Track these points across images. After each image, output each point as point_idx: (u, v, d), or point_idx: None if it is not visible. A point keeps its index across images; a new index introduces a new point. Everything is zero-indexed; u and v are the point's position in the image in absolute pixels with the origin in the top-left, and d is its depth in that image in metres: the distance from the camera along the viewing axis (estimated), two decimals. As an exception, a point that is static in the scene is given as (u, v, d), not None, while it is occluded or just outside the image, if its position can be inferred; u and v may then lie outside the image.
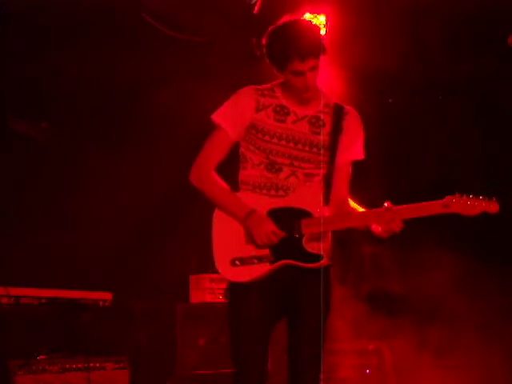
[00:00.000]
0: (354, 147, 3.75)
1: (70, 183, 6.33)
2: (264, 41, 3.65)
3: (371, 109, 5.99)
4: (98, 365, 5.49)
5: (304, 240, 3.55)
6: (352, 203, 3.75)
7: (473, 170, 6.47)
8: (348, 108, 3.77)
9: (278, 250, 3.55)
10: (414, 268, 6.38)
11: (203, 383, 6.01)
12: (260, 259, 3.55)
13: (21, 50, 5.87)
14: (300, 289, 3.59)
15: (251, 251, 3.56)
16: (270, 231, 3.53)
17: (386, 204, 3.54)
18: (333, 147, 3.66)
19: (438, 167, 6.50)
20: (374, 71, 6.34)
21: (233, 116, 3.64)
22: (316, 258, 3.55)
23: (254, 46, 5.96)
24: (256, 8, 5.80)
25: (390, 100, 6.94)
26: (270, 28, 3.63)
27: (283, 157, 3.63)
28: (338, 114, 3.70)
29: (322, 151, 3.64)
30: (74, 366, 5.39)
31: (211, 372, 6.00)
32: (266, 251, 3.55)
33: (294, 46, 3.50)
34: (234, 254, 3.56)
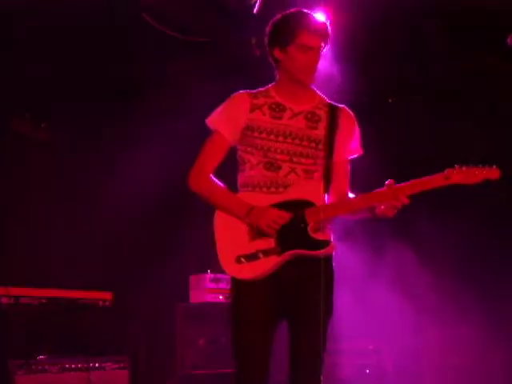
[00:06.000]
0: (350, 144, 3.76)
1: (69, 183, 6.33)
2: (268, 28, 3.67)
3: (371, 109, 6.00)
4: (97, 365, 5.49)
5: (309, 229, 3.55)
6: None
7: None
8: (341, 106, 3.78)
9: (285, 241, 3.53)
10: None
11: (203, 383, 6.01)
12: (266, 253, 3.53)
13: (21, 50, 5.87)
14: (303, 288, 3.57)
15: (256, 247, 3.54)
16: (276, 215, 3.51)
17: (387, 183, 3.54)
18: (330, 141, 3.67)
19: (438, 167, 6.49)
20: (374, 71, 6.34)
21: (227, 119, 3.65)
22: (324, 244, 3.55)
23: (254, 45, 5.95)
24: (256, 8, 5.80)
25: (389, 100, 6.94)
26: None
27: (282, 153, 3.61)
28: (332, 111, 3.71)
29: (320, 145, 3.64)
30: (74, 366, 5.39)
31: (211, 372, 6.00)
32: (272, 244, 3.53)
33: (305, 21, 3.58)
34: (239, 252, 3.55)
